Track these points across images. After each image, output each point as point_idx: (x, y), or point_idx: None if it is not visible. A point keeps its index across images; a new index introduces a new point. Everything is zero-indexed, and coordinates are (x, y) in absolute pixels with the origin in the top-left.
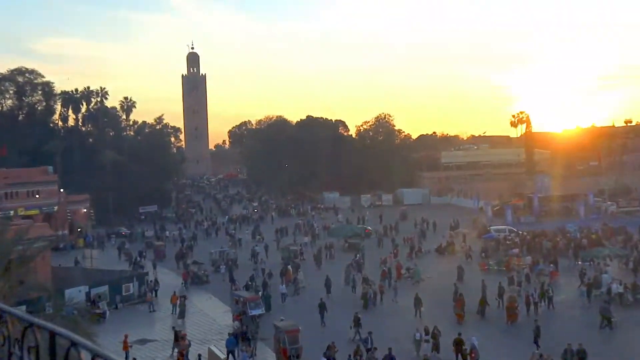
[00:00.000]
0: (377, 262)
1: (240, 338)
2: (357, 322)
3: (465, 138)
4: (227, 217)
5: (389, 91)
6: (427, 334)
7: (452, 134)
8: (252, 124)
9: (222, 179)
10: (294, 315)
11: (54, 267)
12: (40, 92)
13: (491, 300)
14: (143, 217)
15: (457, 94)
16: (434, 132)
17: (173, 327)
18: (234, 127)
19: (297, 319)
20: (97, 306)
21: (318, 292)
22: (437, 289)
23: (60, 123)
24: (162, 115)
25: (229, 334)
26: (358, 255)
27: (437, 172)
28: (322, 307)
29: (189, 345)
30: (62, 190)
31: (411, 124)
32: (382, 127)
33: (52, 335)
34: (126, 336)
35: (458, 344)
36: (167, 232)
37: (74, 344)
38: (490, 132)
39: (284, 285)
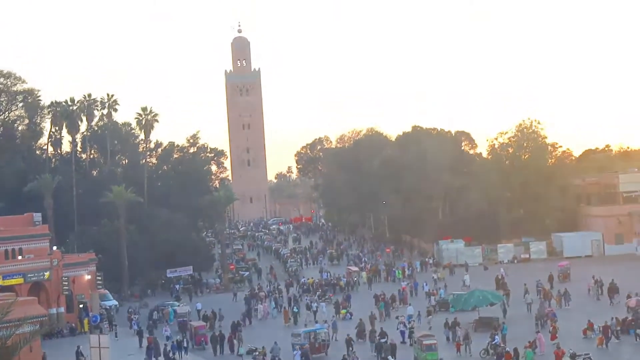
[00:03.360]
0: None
1: None
2: None
3: None
4: (299, 282)
5: (535, 87)
6: None
7: (634, 147)
8: (330, 142)
9: (287, 225)
10: None
11: None
12: (20, 104)
13: None
14: (178, 285)
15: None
16: (607, 146)
17: None
18: (303, 147)
19: None
20: None
21: None
22: None
23: (50, 149)
24: (198, 132)
25: None
26: (497, 336)
27: (613, 206)
28: None
29: None
30: (55, 248)
31: (571, 135)
32: (527, 140)
33: None
34: None
35: None
36: (199, 306)
37: None
38: None
39: None
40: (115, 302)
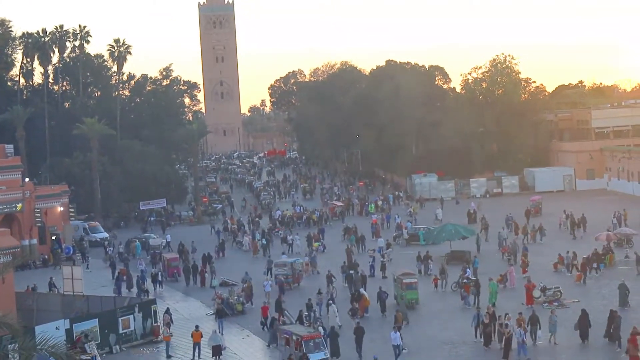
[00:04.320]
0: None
1: None
2: None
3: (628, 89)
4: (275, 214)
5: (509, 21)
6: None
7: (607, 83)
8: (304, 76)
9: (261, 158)
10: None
11: (19, 292)
12: None
13: None
14: (152, 217)
15: (613, 25)
16: (580, 82)
17: None
18: (277, 80)
19: None
20: (82, 349)
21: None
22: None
23: (22, 80)
24: (171, 65)
25: None
26: (468, 269)
27: (585, 142)
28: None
29: None
30: (27, 179)
31: (545, 71)
32: (500, 75)
33: None
34: None
35: None
36: (169, 238)
37: None
38: None
39: (397, 332)
40: (106, 234)
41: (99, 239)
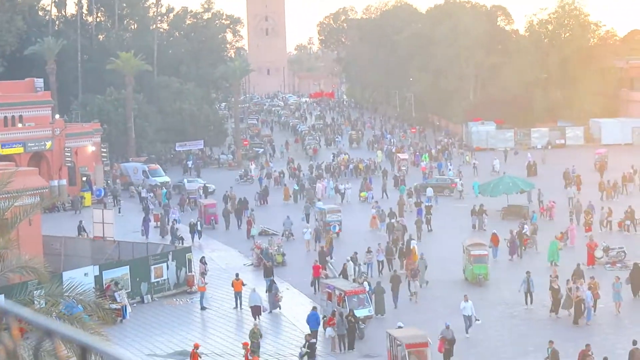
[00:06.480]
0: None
1: None
2: None
3: None
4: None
5: None
6: None
7: None
8: (355, 13)
9: (307, 100)
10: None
11: (46, 236)
12: None
13: None
14: (191, 162)
15: None
16: None
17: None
18: (326, 17)
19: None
20: (112, 298)
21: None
22: None
23: (53, 10)
24: None
25: (313, 307)
26: (525, 225)
27: None
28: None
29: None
30: (58, 116)
31: (617, 14)
32: (568, 17)
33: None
34: (197, 346)
35: None
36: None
37: None
38: None
39: (468, 302)
40: (167, 179)
41: (159, 183)
